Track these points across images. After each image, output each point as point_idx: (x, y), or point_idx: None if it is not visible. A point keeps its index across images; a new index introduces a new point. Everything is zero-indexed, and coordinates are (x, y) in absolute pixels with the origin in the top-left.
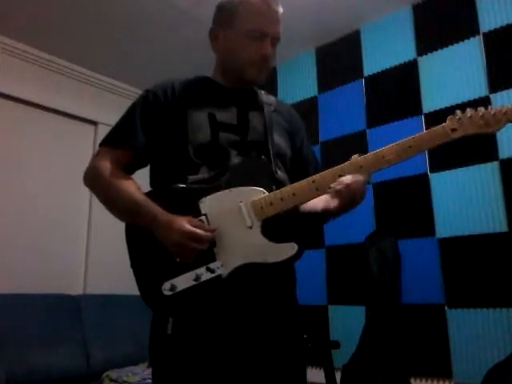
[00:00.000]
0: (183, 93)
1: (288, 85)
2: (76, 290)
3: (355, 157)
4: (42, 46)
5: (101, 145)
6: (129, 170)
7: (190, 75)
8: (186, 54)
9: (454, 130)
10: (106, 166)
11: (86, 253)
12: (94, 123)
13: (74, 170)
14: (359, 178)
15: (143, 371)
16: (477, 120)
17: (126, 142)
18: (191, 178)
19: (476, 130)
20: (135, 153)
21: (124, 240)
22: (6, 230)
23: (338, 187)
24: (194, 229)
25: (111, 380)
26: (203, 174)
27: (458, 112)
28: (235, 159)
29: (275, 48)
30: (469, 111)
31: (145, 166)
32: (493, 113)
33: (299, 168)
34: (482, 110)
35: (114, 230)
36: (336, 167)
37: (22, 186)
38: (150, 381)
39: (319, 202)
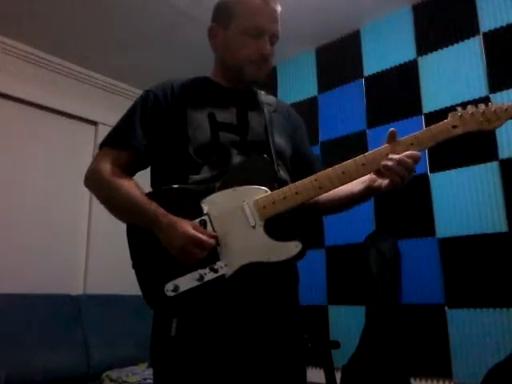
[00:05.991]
0: (183, 93)
1: (288, 85)
2: (76, 289)
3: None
4: (42, 46)
5: (101, 146)
6: (130, 172)
7: (190, 75)
8: (186, 54)
9: (455, 126)
10: (106, 166)
11: (86, 253)
12: (94, 123)
13: (74, 170)
14: (413, 152)
15: (143, 371)
16: (478, 117)
17: (126, 143)
18: (193, 177)
19: (477, 126)
20: (136, 153)
21: (124, 240)
22: (6, 229)
23: (390, 163)
24: (198, 234)
25: (111, 380)
26: (205, 173)
27: (459, 109)
28: (236, 158)
29: (274, 46)
30: (470, 108)
31: (146, 167)
32: (493, 109)
33: (301, 167)
34: (482, 106)
35: (113, 229)
36: (339, 165)
37: (21, 186)
38: (150, 381)
39: (356, 185)
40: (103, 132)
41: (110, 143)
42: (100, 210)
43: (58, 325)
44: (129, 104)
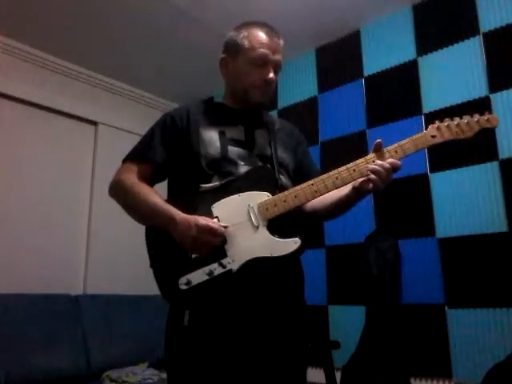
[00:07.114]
0: (197, 115)
1: (288, 85)
2: (76, 289)
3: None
4: (41, 46)
5: (124, 160)
6: (150, 183)
7: (190, 75)
8: (186, 54)
9: (433, 136)
10: (128, 177)
11: (86, 253)
12: (94, 123)
13: (74, 170)
14: (394, 161)
15: (143, 371)
16: (453, 128)
17: (147, 157)
18: (204, 186)
19: (453, 136)
20: (155, 167)
21: (123, 240)
22: (6, 229)
23: (374, 166)
24: (209, 223)
25: (111, 380)
26: (214, 182)
27: (437, 121)
28: (243, 169)
29: (277, 75)
30: (446, 120)
31: (163, 179)
32: (466, 121)
33: (304, 178)
34: (457, 119)
35: (113, 229)
36: (333, 171)
37: (22, 186)
38: (150, 381)
39: (343, 189)
40: (103, 132)
41: (132, 158)
42: (100, 210)
43: (58, 325)
44: (129, 104)
